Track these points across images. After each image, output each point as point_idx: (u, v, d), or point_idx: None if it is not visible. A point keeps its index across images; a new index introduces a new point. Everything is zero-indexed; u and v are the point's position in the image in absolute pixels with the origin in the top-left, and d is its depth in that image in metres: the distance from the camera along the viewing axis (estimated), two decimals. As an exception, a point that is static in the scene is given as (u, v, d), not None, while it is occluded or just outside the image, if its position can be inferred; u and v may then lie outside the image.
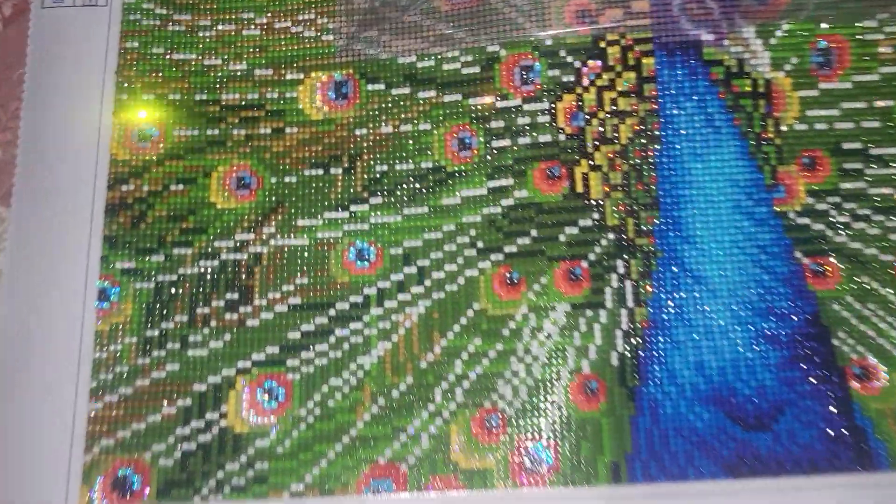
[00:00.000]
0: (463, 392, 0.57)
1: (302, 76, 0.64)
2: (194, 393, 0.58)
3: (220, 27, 0.65)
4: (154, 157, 0.62)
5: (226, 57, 0.64)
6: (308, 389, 0.58)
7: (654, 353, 0.57)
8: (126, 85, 0.63)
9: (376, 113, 0.63)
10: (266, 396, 0.58)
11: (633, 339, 0.57)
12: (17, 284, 0.59)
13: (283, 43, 0.64)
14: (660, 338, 0.57)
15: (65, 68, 0.64)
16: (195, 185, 0.62)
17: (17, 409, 0.57)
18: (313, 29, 0.65)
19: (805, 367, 0.57)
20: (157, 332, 0.59)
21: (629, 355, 0.57)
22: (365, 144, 0.62)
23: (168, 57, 0.64)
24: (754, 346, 0.57)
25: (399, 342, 0.59)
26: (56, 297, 0.59)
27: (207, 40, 0.65)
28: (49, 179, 0.61)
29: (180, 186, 0.62)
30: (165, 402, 0.58)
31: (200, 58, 0.64)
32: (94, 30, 0.65)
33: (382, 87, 0.63)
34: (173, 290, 0.60)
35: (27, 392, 0.57)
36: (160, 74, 0.64)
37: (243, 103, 0.63)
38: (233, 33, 0.65)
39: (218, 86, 0.64)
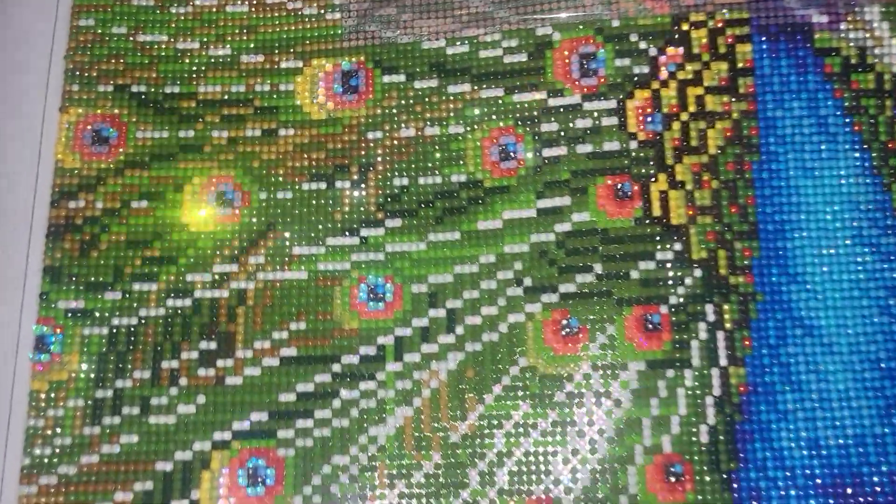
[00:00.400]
0: (507, 475, 0.44)
1: (300, 64, 0.51)
2: (157, 474, 0.45)
3: (197, 1, 0.52)
4: (111, 166, 0.49)
5: (205, 39, 0.52)
6: (305, 470, 0.45)
7: (755, 426, 0.44)
8: (77, 73, 0.51)
9: (394, 112, 0.50)
10: (250, 479, 0.45)
11: (727, 409, 0.44)
12: (-69, 328, 0.46)
13: (276, 22, 0.52)
14: (762, 407, 0.45)
15: (3, 54, 0.50)
16: (163, 201, 0.49)
17: (-74, 493, 0.44)
18: (315, 5, 0.52)
19: (951, 446, 0.44)
20: (110, 393, 0.46)
21: (723, 430, 0.44)
22: (380, 151, 0.49)
23: (131, 39, 0.51)
24: (885, 420, 0.44)
25: (423, 408, 0.46)
26: (-19, 346, 0.46)
27: (182, 18, 0.52)
28: (-24, 193, 0.48)
29: (143, 203, 0.49)
30: (119, 487, 0.45)
31: (172, 40, 0.51)
32: (39, 3, 0.51)
33: (402, 78, 0.50)
34: (132, 338, 0.47)
35: (-60, 470, 0.44)
36: (121, 60, 0.51)
37: (226, 97, 0.51)
38: (214, 9, 0.52)
39: (194, 76, 0.51)
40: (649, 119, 0.48)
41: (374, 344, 0.47)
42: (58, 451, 0.45)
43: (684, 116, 0.48)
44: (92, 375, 0.46)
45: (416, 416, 0.46)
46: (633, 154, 0.48)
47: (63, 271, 0.48)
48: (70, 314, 0.47)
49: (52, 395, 0.46)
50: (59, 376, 0.46)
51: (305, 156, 0.50)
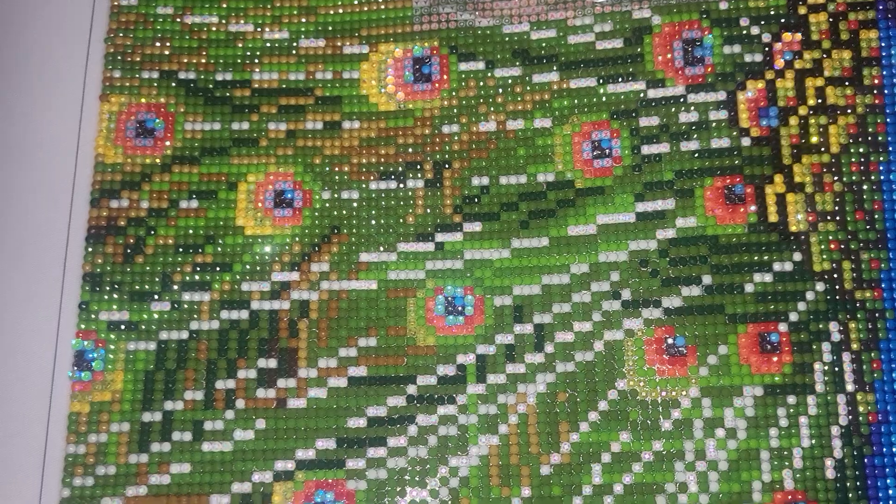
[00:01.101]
0: (606, 513, 0.39)
1: (367, 50, 0.46)
2: (213, 508, 0.40)
3: (252, -20, 0.47)
4: (157, 161, 0.44)
5: (260, 22, 0.47)
6: (378, 505, 0.40)
7: (888, 459, 0.40)
8: (118, 57, 0.46)
9: (472, 103, 0.45)
10: (318, 515, 0.40)
11: (855, 440, 0.40)
12: (-43, 341, 0.41)
13: (340, 3, 0.47)
14: (894, 437, 0.40)
15: (37, 35, 0.46)
16: (215, 200, 0.44)
17: (-48, 528, 0.39)
18: (383, -16, 0.46)
19: None
20: (158, 417, 0.41)
21: (851, 464, 0.39)
22: (456, 147, 0.44)
23: (179, 20, 0.47)
24: None
25: (510, 436, 0.41)
26: (13, 364, 0.42)
27: (234, -2, 0.47)
28: (8, 192, 0.43)
29: (193, 203, 0.44)
30: (170, 523, 0.40)
31: (224, 22, 0.47)
32: (75, -20, 0.47)
33: (481, 66, 0.45)
34: (183, 355, 0.42)
35: (-33, 503, 0.39)
36: (167, 44, 0.46)
37: (283, 86, 0.46)
38: (270, -11, 0.47)
39: (248, 61, 0.46)
40: (763, 113, 0.43)
41: (454, 363, 0.42)
42: (101, 481, 0.40)
43: (803, 111, 0.43)
44: (138, 396, 0.41)
45: (503, 444, 0.41)
46: (746, 152, 0.43)
47: (105, 279, 0.43)
48: (113, 327, 0.42)
49: (94, 418, 0.41)
50: (102, 397, 0.41)
51: (373, 151, 0.45)
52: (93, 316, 0.42)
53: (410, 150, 0.45)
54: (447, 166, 0.45)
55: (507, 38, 0.46)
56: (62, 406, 0.41)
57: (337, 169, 0.45)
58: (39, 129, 0.45)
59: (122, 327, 0.42)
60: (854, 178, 0.42)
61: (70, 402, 0.41)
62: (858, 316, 0.41)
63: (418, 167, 0.45)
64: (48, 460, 0.40)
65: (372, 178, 0.45)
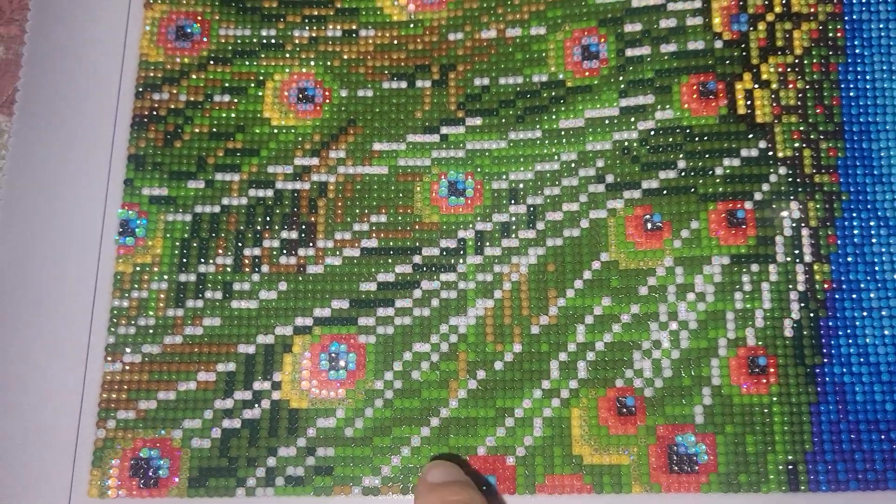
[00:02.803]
0: (588, 366, 0.44)
1: (382, -34, 0.51)
2: (239, 356, 0.45)
3: None
4: (195, 61, 0.49)
5: (286, -58, 0.51)
6: (386, 356, 0.45)
7: (840, 322, 0.44)
8: (162, -29, 0.51)
9: (476, 13, 0.50)
10: (332, 364, 0.45)
11: (812, 304, 0.44)
12: (17, 213, 0.47)
13: (358, -74, 0.52)
14: (846, 304, 0.44)
15: (86, -48, 0.51)
16: (245, 95, 0.49)
17: (13, 370, 0.44)
18: None
19: None
20: (192, 277, 0.46)
21: (807, 325, 0.44)
22: (460, 52, 0.49)
23: (214, -60, 0.51)
24: (971, 318, 0.44)
25: (504, 300, 0.46)
26: (66, 230, 0.46)
27: (264, -78, 0.52)
28: (62, 83, 0.49)
29: (226, 97, 0.49)
30: (202, 367, 0.45)
31: (255, -58, 0.51)
32: None
33: (484, -19, 0.50)
34: (215, 225, 0.47)
35: (26, 348, 0.44)
36: (205, -40, 0.51)
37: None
38: (296, -87, 0.52)
39: (276, -23, 0.51)
40: (734, 19, 0.48)
41: (455, 237, 0.47)
42: (141, 331, 0.45)
43: (770, 17, 0.48)
44: (175, 260, 0.46)
45: (497, 307, 0.46)
46: (718, 53, 0.47)
47: (147, 160, 0.48)
48: (154, 201, 0.47)
49: (137, 277, 0.46)
50: (143, 259, 0.46)
51: (386, 56, 0.50)
52: (136, 191, 0.47)
53: (420, 55, 0.50)
54: (452, 69, 0.50)
55: (507, -43, 0.51)
56: (108, 266, 0.46)
57: (353, 70, 0.50)
58: (91, 33, 0.50)
59: (162, 201, 0.47)
60: (815, 77, 0.47)
61: (115, 263, 0.46)
62: (817, 197, 0.46)
63: (426, 69, 0.50)
64: (95, 312, 0.45)
65: (385, 78, 0.50)
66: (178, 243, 0.47)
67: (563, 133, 0.48)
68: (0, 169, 0.48)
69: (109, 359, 0.45)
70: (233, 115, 0.49)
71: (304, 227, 0.47)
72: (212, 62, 0.50)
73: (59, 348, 0.45)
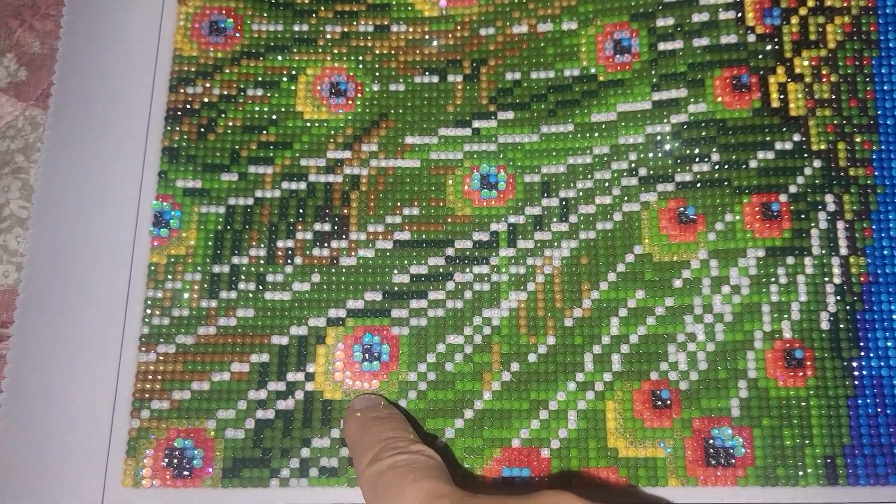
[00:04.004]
0: (622, 359, 0.44)
1: (413, -37, 0.51)
2: (273, 347, 0.45)
3: None
4: (228, 55, 0.50)
5: (318, -60, 0.52)
6: (419, 348, 0.45)
7: (877, 315, 0.44)
8: (195, -33, 0.51)
9: (507, 8, 0.50)
10: (365, 355, 0.45)
11: (848, 298, 0.44)
12: (53, 205, 0.47)
13: (389, -76, 0.52)
14: (883, 297, 0.44)
15: (120, -51, 0.52)
16: (278, 89, 0.49)
17: (48, 361, 0.44)
18: None
19: None
20: (226, 269, 0.46)
21: (843, 318, 0.44)
22: (492, 47, 0.49)
23: (247, -63, 0.52)
24: None
25: (537, 293, 0.45)
26: (101, 222, 0.47)
27: (296, -81, 0.52)
28: (97, 77, 0.49)
29: (259, 91, 0.49)
30: (236, 358, 0.45)
31: (287, -61, 0.52)
32: None
33: (515, -24, 0.50)
34: (248, 217, 0.47)
35: (61, 339, 0.45)
36: (238, -44, 0.51)
37: (339, -5, 0.51)
38: (328, -89, 0.52)
39: (308, -27, 0.51)
40: (767, 13, 0.48)
41: (488, 230, 0.47)
42: (175, 321, 0.45)
43: (803, 11, 0.48)
44: (209, 252, 0.47)
45: (530, 300, 0.46)
46: (751, 47, 0.47)
47: (181, 152, 0.48)
48: (188, 193, 0.47)
49: (170, 268, 0.46)
50: (177, 251, 0.47)
51: (418, 51, 0.50)
52: (170, 183, 0.48)
53: (451, 49, 0.50)
54: (483, 63, 0.50)
55: (538, -47, 0.51)
56: (143, 257, 0.46)
57: (385, 65, 0.50)
58: (125, 28, 0.50)
59: (196, 193, 0.47)
60: (849, 70, 0.47)
61: (150, 254, 0.47)
62: (852, 190, 0.46)
63: (458, 64, 0.50)
64: (130, 303, 0.46)
65: (416, 73, 0.50)
66: (211, 235, 0.47)
67: (595, 127, 0.48)
68: (36, 162, 0.49)
69: (144, 349, 0.45)
70: (266, 108, 0.49)
71: (336, 219, 0.47)
72: (245, 57, 0.50)
73: (94, 338, 0.45)
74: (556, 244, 0.46)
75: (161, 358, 0.45)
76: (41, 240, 0.46)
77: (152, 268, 0.46)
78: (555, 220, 0.47)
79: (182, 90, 0.49)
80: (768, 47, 0.47)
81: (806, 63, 0.47)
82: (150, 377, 0.44)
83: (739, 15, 0.48)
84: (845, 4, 0.48)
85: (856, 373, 0.43)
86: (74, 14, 0.50)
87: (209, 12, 0.51)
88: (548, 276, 0.46)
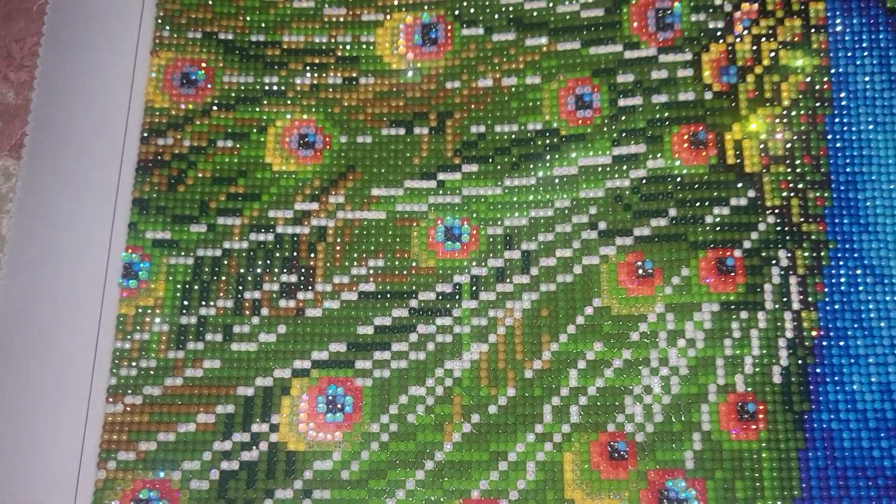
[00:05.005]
0: (580, 411, 0.45)
1: (382, 17, 0.52)
2: (238, 398, 0.46)
3: (283, -44, 0.54)
4: (199, 107, 0.51)
5: (289, -8, 0.53)
6: (382, 400, 0.46)
7: (828, 370, 0.45)
8: (168, 20, 0.52)
9: (472, 63, 0.51)
10: (329, 406, 0.46)
11: (800, 352, 0.45)
12: (23, 254, 0.48)
13: (359, -23, 0.53)
14: (834, 351, 0.45)
15: (100, 1, 0.52)
16: (247, 141, 0.50)
17: (15, 410, 0.45)
18: (397, -38, 0.53)
19: None
20: (194, 320, 0.47)
21: (795, 371, 0.45)
22: (458, 100, 0.51)
23: (220, -10, 0.53)
24: (956, 366, 0.44)
25: (498, 344, 0.47)
26: (71, 272, 0.48)
27: (268, -28, 0.53)
28: (69, 128, 0.50)
29: (229, 143, 0.50)
30: (202, 409, 0.46)
31: (259, -8, 0.53)
32: (132, -45, 0.54)
33: (481, 31, 0.52)
34: (216, 269, 0.48)
35: (29, 388, 0.45)
36: (209, 9, 0.53)
37: (309, 47, 0.52)
38: (299, -35, 0.53)
39: (279, 25, 0.52)
40: (724, 71, 0.49)
41: (451, 282, 0.48)
42: (143, 373, 0.46)
43: (759, 70, 0.49)
44: (177, 302, 0.47)
45: (492, 351, 0.47)
46: (708, 104, 0.49)
47: (151, 203, 0.49)
48: (157, 244, 0.48)
49: (139, 319, 0.47)
50: (146, 302, 0.47)
51: (385, 103, 0.51)
52: (140, 234, 0.48)
53: (417, 102, 0.51)
54: (449, 116, 0.51)
55: (503, 8, 0.52)
56: (112, 308, 0.47)
57: (353, 117, 0.51)
58: (98, 79, 0.51)
59: (165, 245, 0.48)
60: (802, 127, 0.48)
61: (118, 305, 0.47)
62: (804, 245, 0.47)
63: (424, 117, 0.51)
64: (98, 354, 0.46)
65: (384, 125, 0.51)
66: (179, 286, 0.48)
67: (557, 180, 0.49)
68: (8, 212, 0.50)
69: (111, 400, 0.46)
70: (235, 160, 0.50)
71: (303, 270, 0.48)
72: (215, 108, 0.51)
73: (63, 389, 0.45)
74: (517, 296, 0.47)
75: (128, 409, 0.46)
76: (12, 289, 0.47)
77: (121, 319, 0.47)
78: (516, 272, 0.48)
79: (153, 142, 0.50)
80: (725, 105, 0.49)
81: (761, 120, 0.48)
82: (117, 428, 0.45)
83: (697, 73, 0.49)
84: (799, 63, 0.49)
85: (807, 426, 0.44)
86: (49, 65, 0.51)
87: (181, 64, 0.52)
88: (509, 328, 0.47)
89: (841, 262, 0.46)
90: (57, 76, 0.51)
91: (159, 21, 0.52)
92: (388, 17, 0.53)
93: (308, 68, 0.52)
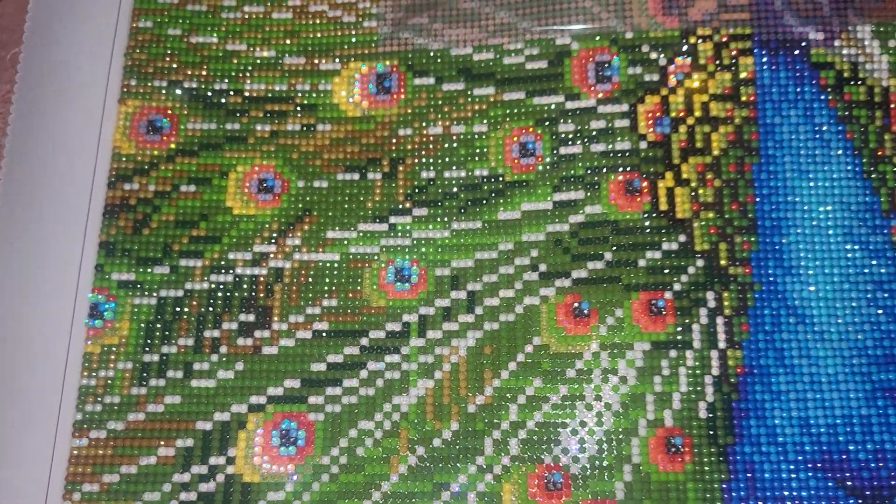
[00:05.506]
0: (519, 444, 0.48)
1: (338, 66, 0.55)
2: (197, 432, 0.49)
3: (246, 8, 0.56)
4: (163, 153, 0.54)
5: (251, 42, 0.56)
6: (333, 433, 0.49)
7: (751, 405, 0.48)
8: (135, 69, 0.55)
9: (424, 111, 0.54)
10: (283, 440, 0.48)
11: (725, 388, 0.48)
12: (-5, 294, 0.50)
13: (317, 28, 0.56)
14: (757, 387, 0.48)
15: (67, 48, 0.55)
16: (209, 186, 0.53)
17: (-15, 444, 0.48)
18: (353, 13, 0.56)
19: (932, 429, 0.47)
20: (156, 358, 0.50)
21: (720, 407, 0.48)
22: (409, 147, 0.53)
23: (185, 40, 0.56)
24: (870, 402, 0.47)
25: (443, 380, 0.49)
26: (40, 312, 0.50)
27: (231, 22, 0.56)
28: (40, 174, 0.53)
29: (192, 187, 0.53)
30: (162, 443, 0.48)
31: (222, 42, 0.56)
32: (102, 6, 0.56)
33: (432, 81, 0.54)
34: (178, 309, 0.51)
35: (-2, 423, 0.48)
36: (175, 59, 0.55)
37: (269, 95, 0.55)
38: (261, 15, 0.56)
39: (241, 74, 0.55)
40: (658, 122, 0.52)
41: (400, 321, 0.51)
42: (107, 408, 0.49)
43: (690, 121, 0.52)
44: (140, 341, 0.50)
45: (437, 387, 0.49)
46: (643, 153, 0.52)
47: (117, 246, 0.52)
48: (122, 285, 0.51)
49: (104, 357, 0.50)
50: (111, 340, 0.50)
51: (341, 149, 0.54)
52: (106, 276, 0.51)
53: (371, 148, 0.54)
54: (401, 162, 0.54)
55: (454, 59, 0.55)
56: (78, 347, 0.50)
57: (310, 163, 0.54)
58: (68, 127, 0.54)
59: (130, 286, 0.51)
60: (731, 176, 0.51)
61: (85, 343, 0.50)
62: (731, 287, 0.50)
63: (377, 162, 0.54)
64: (65, 390, 0.49)
65: (339, 170, 0.54)
66: (143, 325, 0.50)
67: (501, 224, 0.52)
68: (-20, 254, 0.52)
69: (77, 434, 0.48)
70: (197, 204, 0.53)
71: (260, 310, 0.51)
72: (179, 154, 0.54)
73: (31, 424, 0.48)
74: (462, 334, 0.50)
75: (93, 443, 0.48)
76: (-15, 327, 0.50)
77: (87, 357, 0.50)
78: (462, 311, 0.51)
79: (120, 187, 0.53)
80: (658, 154, 0.52)
81: (692, 169, 0.51)
82: (82, 461, 0.48)
83: (633, 123, 0.52)
84: (729, 115, 0.52)
85: (730, 458, 0.47)
86: (20, 111, 0.54)
87: (147, 112, 0.54)
88: (454, 365, 0.50)
89: (765, 304, 0.49)
90: (28, 122, 0.54)
91: (126, 70, 0.55)
92: (345, 66, 0.55)
93: (268, 115, 0.55)
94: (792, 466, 0.47)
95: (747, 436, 0.48)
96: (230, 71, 0.55)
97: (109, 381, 0.49)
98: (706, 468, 0.47)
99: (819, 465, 0.47)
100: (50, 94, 0.54)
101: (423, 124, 0.54)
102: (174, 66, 0.55)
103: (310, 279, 0.52)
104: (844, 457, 0.47)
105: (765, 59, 0.52)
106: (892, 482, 0.46)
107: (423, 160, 0.53)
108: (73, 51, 0.55)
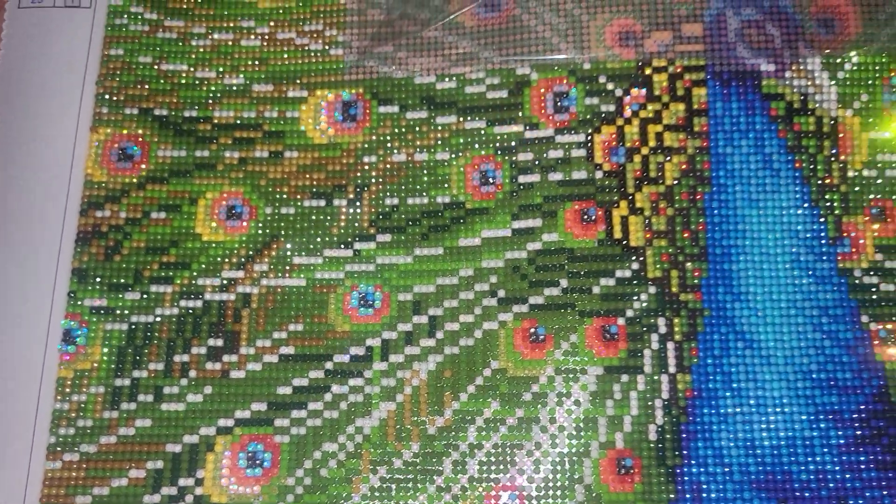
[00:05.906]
0: (477, 465, 0.50)
1: (305, 94, 0.57)
2: (167, 454, 0.51)
3: (215, 36, 0.58)
4: (134, 180, 0.55)
5: (221, 70, 0.57)
6: (298, 455, 0.51)
7: (699, 427, 0.50)
8: (107, 97, 0.56)
9: (388, 139, 0.56)
10: (249, 461, 0.50)
11: (674, 411, 0.50)
12: (-29, 320, 0.52)
13: (285, 56, 0.57)
14: (705, 410, 0.50)
15: (39, 76, 0.57)
16: (179, 213, 0.55)
17: (-38, 466, 0.49)
18: (320, 41, 0.57)
19: (872, 449, 0.49)
20: (127, 382, 0.52)
21: (669, 429, 0.50)
22: (374, 174, 0.55)
23: (156, 67, 0.57)
24: (813, 424, 0.49)
25: (405, 403, 0.51)
26: (13, 337, 0.52)
27: (201, 50, 0.57)
28: (12, 201, 0.54)
29: (162, 214, 0.55)
30: (133, 465, 0.50)
31: (192, 69, 0.57)
32: (74, 34, 0.58)
33: (396, 109, 0.56)
34: (149, 334, 0.52)
35: (-25, 446, 0.50)
36: (146, 86, 0.57)
37: (238, 122, 0.56)
38: (230, 43, 0.58)
39: (210, 102, 0.57)
40: (614, 152, 0.54)
41: (364, 345, 0.52)
42: (80, 431, 0.51)
43: (645, 150, 0.54)
44: (112, 366, 0.52)
45: (399, 410, 0.51)
46: (599, 182, 0.53)
47: (89, 273, 0.53)
48: (94, 311, 0.53)
49: (77, 381, 0.51)
50: (83, 365, 0.52)
51: (307, 176, 0.56)
52: (79, 302, 0.53)
53: (337, 175, 0.56)
54: (366, 189, 0.55)
55: (417, 88, 0.56)
56: (52, 372, 0.51)
57: (278, 189, 0.55)
58: (41, 154, 0.55)
59: (102, 312, 0.53)
60: (683, 204, 0.53)
61: (58, 368, 0.52)
62: (682, 313, 0.52)
63: (343, 189, 0.55)
64: (39, 414, 0.51)
65: (305, 197, 0.55)
66: (115, 350, 0.52)
67: (461, 251, 0.53)
68: (-44, 280, 0.54)
69: (50, 457, 0.50)
70: (167, 230, 0.54)
71: (228, 335, 0.53)
72: (150, 182, 0.55)
73: (5, 448, 0.50)
74: (423, 358, 0.52)
75: (66, 465, 0.50)
76: (-38, 351, 0.52)
77: (60, 381, 0.51)
78: (423, 336, 0.52)
79: (92, 214, 0.54)
80: (613, 183, 0.53)
81: (646, 198, 0.53)
82: (56, 483, 0.50)
83: (589, 153, 0.54)
84: (682, 145, 0.54)
85: (678, 479, 0.49)
86: (-5, 140, 0.55)
87: (118, 139, 0.56)
88: (415, 388, 0.52)
89: (714, 329, 0.51)
90: (2, 151, 0.55)
91: (98, 98, 0.56)
92: (312, 94, 0.57)
93: (237, 143, 0.56)
94: (737, 486, 0.49)
95: (695, 457, 0.50)
96: (200, 98, 0.57)
97: (82, 405, 0.51)
98: (654, 488, 0.49)
99: (763, 485, 0.49)
100: (23, 123, 0.56)
101: (388, 152, 0.55)
102: (145, 93, 0.57)
103: (277, 304, 0.53)
104: (787, 477, 0.49)
105: (717, 91, 0.54)
106: (832, 502, 0.48)
107: (388, 187, 0.55)
108: (46, 79, 0.57)
